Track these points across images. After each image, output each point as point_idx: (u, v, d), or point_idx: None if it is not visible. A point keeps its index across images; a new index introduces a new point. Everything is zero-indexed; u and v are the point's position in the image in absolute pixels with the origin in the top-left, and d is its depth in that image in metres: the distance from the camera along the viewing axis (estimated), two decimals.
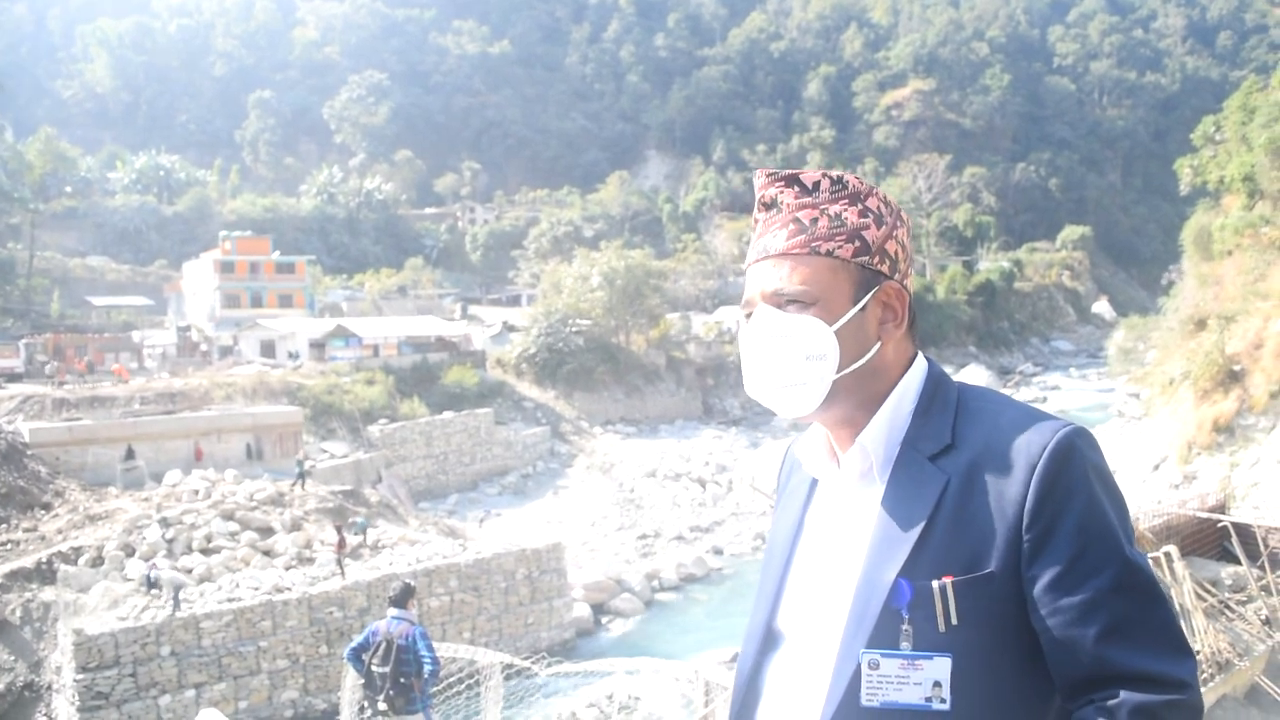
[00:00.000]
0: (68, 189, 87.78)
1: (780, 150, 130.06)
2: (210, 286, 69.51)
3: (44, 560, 26.07)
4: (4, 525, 28.61)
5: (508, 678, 13.21)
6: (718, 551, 37.65)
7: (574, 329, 58.50)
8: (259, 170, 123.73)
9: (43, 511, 29.68)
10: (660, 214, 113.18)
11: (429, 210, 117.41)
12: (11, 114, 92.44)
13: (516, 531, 36.08)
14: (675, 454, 50.81)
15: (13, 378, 44.13)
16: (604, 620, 30.91)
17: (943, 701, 1.43)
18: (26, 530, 28.31)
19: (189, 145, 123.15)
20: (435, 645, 8.85)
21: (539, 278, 77.54)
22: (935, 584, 1.44)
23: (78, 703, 21.79)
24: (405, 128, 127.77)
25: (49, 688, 23.09)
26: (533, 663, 13.65)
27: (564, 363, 56.98)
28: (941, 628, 1.43)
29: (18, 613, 24.25)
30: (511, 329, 65.09)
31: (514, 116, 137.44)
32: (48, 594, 24.93)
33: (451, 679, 12.43)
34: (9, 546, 27.33)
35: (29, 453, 32.11)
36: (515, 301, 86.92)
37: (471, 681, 12.87)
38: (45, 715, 22.62)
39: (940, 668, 1.43)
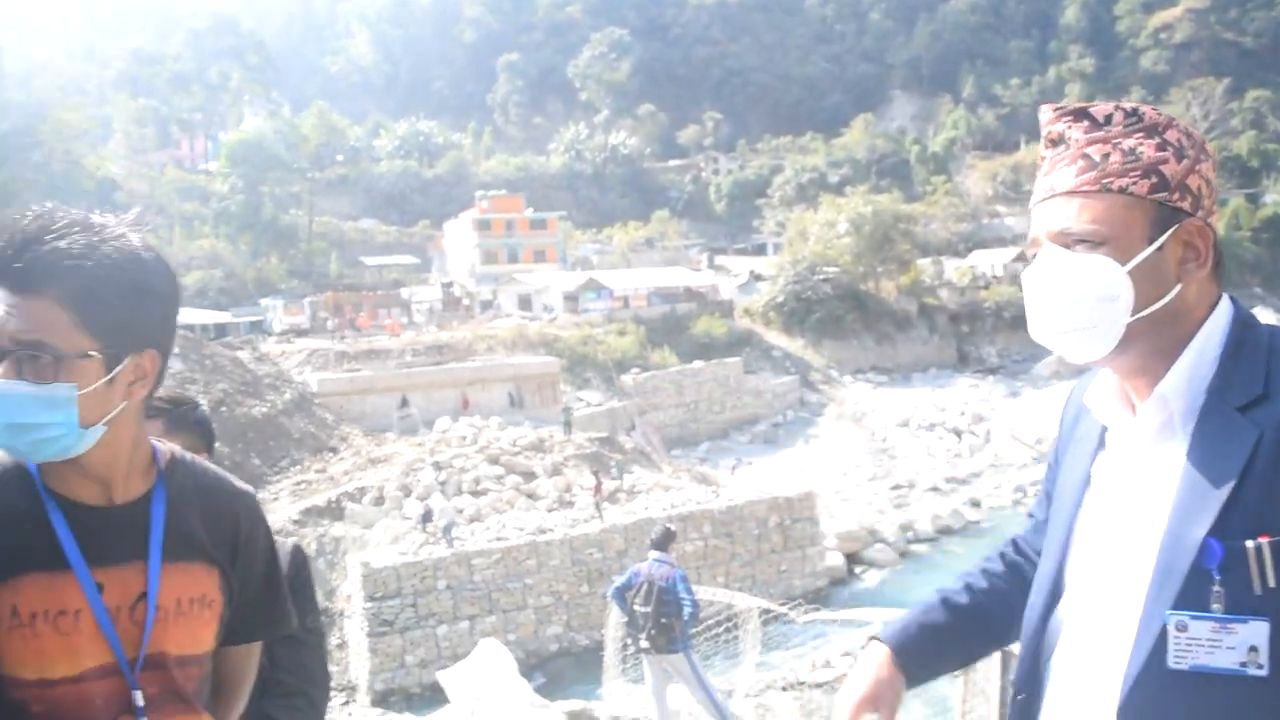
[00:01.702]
0: (339, 157, 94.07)
1: (1036, 83, 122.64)
2: (470, 244, 72.94)
3: (333, 499, 28.41)
4: (298, 467, 31.38)
5: (764, 623, 13.28)
6: (975, 504, 36.44)
7: (821, 277, 57.73)
8: (510, 131, 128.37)
9: (330, 454, 32.31)
10: (908, 156, 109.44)
11: (673, 162, 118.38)
12: (288, 91, 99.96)
13: (768, 479, 36.16)
14: (929, 403, 49.40)
15: (300, 333, 48.03)
16: (857, 570, 30.59)
17: (1260, 667, 1.31)
18: (317, 471, 30.92)
19: (445, 110, 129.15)
20: (694, 588, 8.99)
21: (784, 226, 76.83)
22: (1250, 544, 1.31)
23: (366, 628, 23.68)
24: (647, 81, 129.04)
25: (341, 613, 25.22)
26: (789, 609, 13.67)
27: (812, 311, 56.39)
28: (1257, 590, 1.31)
29: (313, 545, 26.55)
30: (758, 278, 64.91)
31: (754, 64, 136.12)
32: (338, 529, 27.17)
33: (710, 621, 12.62)
34: (303, 486, 29.94)
35: (317, 401, 34.99)
36: (761, 250, 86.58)
37: (730, 625, 13.02)
38: (338, 638, 24.74)
39: (1256, 632, 1.31)
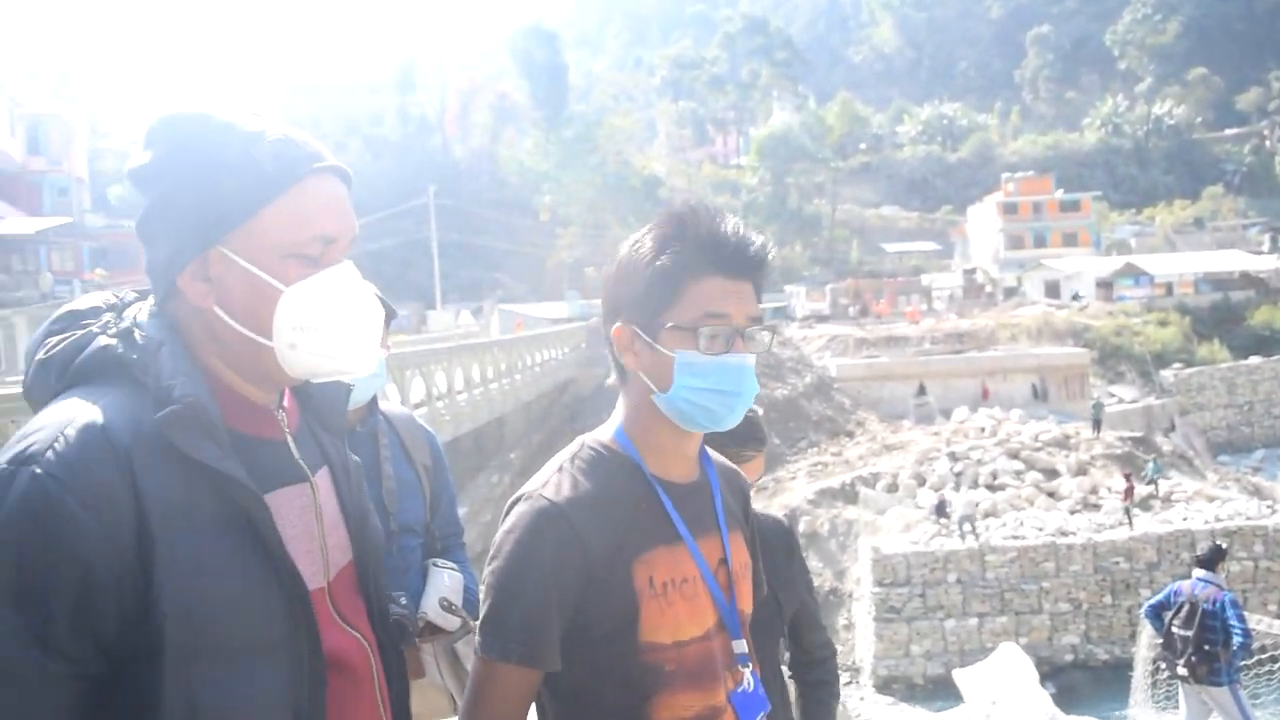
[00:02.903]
0: (862, 146, 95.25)
1: None
2: (994, 229, 70.65)
3: (847, 482, 29.04)
4: (815, 449, 32.45)
5: None
6: None
7: None
8: (1039, 108, 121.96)
9: (846, 439, 33.03)
10: None
11: (1229, 131, 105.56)
12: (813, 84, 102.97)
13: None
14: None
15: (821, 319, 49.49)
16: None
17: None
18: (833, 455, 31.75)
19: (969, 91, 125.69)
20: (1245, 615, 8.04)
21: None
22: None
23: (873, 613, 23.94)
24: (1198, 42, 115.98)
25: (850, 595, 25.72)
26: None
27: None
28: None
29: (825, 526, 27.35)
30: None
31: None
32: (850, 512, 27.71)
33: (1263, 656, 11.25)
34: (819, 467, 30.90)
35: (835, 386, 35.92)
36: None
37: None
38: (845, 619, 25.26)
39: None
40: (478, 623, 1.60)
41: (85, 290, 34.92)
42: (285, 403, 1.43)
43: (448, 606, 2.47)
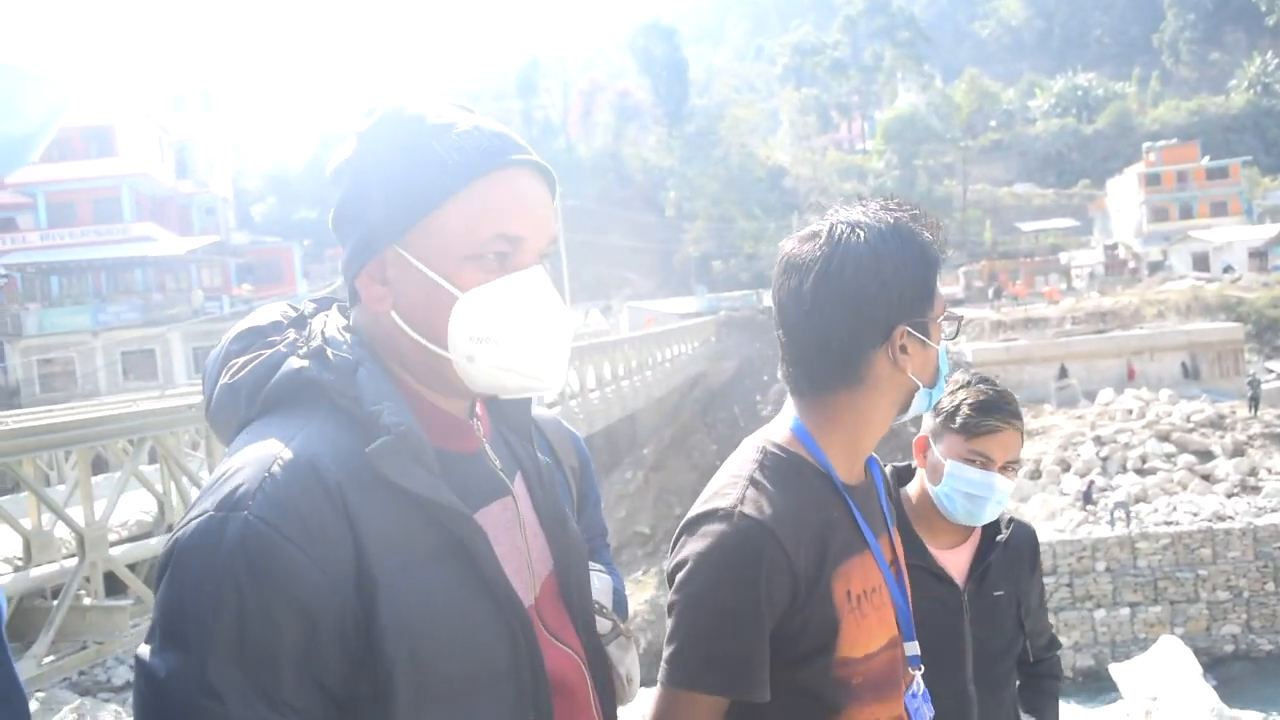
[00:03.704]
0: (992, 123, 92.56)
1: None
2: (1135, 201, 67.92)
3: None
4: None
5: None
6: None
7: None
8: (1180, 73, 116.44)
9: None
10: None
11: None
12: (939, 62, 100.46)
13: None
14: None
15: (955, 303, 48.39)
16: None
17: None
18: None
19: (1104, 60, 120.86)
20: None
21: None
22: None
23: None
24: None
25: None
26: None
27: None
28: None
29: None
30: None
31: None
32: None
33: None
34: None
35: (972, 371, 34.97)
36: None
37: None
38: None
39: None
40: (668, 651, 1.51)
41: (234, 305, 36.62)
42: (478, 410, 1.34)
43: (599, 610, 2.48)
